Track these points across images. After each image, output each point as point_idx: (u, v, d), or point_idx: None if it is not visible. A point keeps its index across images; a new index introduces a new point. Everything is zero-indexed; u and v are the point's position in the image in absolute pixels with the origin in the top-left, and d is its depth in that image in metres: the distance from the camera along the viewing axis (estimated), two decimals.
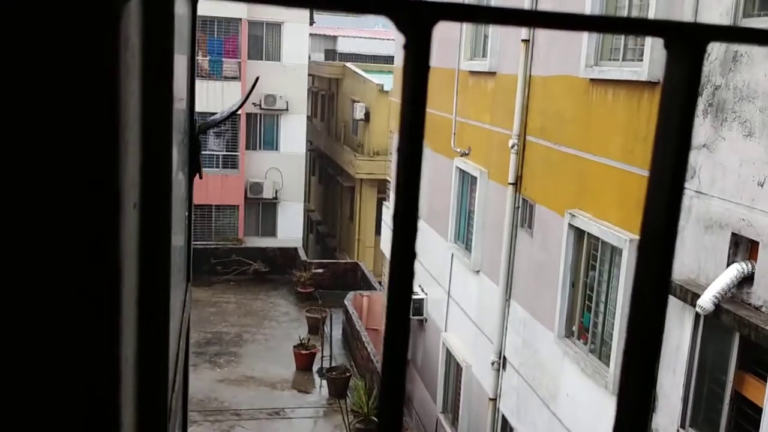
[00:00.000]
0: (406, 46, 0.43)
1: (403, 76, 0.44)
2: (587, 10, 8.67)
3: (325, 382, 17.17)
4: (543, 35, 10.03)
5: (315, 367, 18.10)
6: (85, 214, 0.45)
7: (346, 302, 19.72)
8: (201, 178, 1.80)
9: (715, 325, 6.38)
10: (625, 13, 8.21)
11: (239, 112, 25.68)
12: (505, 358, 11.02)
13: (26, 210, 0.44)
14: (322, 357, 17.95)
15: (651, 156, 0.47)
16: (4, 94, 0.41)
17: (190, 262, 1.77)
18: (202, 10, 24.57)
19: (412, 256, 0.44)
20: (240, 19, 25.71)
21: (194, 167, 1.69)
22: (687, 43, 0.46)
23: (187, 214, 1.72)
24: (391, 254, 0.45)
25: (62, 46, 0.42)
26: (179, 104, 1.39)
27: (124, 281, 0.53)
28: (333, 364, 17.65)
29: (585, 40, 8.67)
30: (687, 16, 6.84)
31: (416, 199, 0.44)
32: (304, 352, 18.02)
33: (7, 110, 0.41)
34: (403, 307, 0.44)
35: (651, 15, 7.42)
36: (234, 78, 25.77)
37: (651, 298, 0.48)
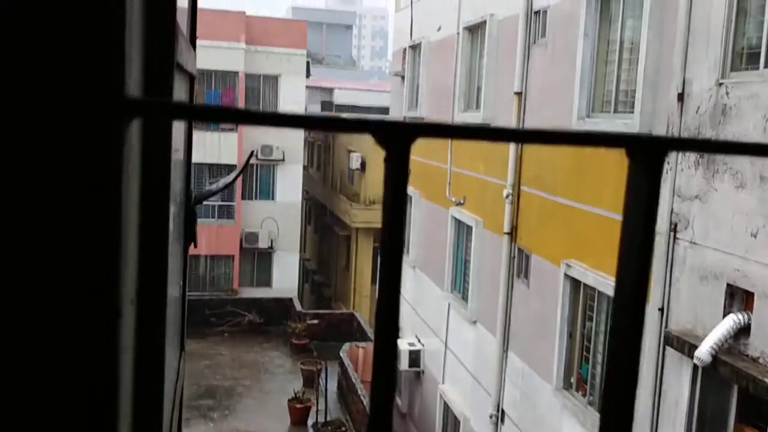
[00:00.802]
0: (386, 160, 0.46)
1: (384, 185, 0.47)
2: (577, 72, 8.83)
3: None
4: (536, 88, 10.20)
5: (310, 422, 17.81)
6: (86, 315, 0.47)
7: (341, 354, 19.52)
8: (196, 246, 1.83)
9: (713, 377, 6.34)
10: (614, 71, 8.37)
11: (236, 163, 25.84)
12: (503, 411, 10.89)
13: (26, 313, 0.46)
14: (317, 411, 17.68)
15: (617, 258, 0.50)
16: (13, 209, 0.44)
17: (184, 331, 1.79)
18: (200, 62, 24.88)
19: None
20: (237, 72, 26.08)
21: (189, 238, 1.72)
22: (647, 153, 0.49)
23: (182, 284, 1.74)
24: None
25: (66, 164, 0.45)
26: (177, 178, 1.42)
27: (121, 374, 0.55)
28: (328, 418, 17.38)
29: (577, 92, 8.82)
30: (676, 71, 6.98)
31: (397, 313, 0.46)
32: (298, 405, 17.76)
33: (18, 222, 0.44)
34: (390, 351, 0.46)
35: (641, 71, 7.57)
36: (231, 130, 26.01)
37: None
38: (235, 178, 2.78)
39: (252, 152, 5.57)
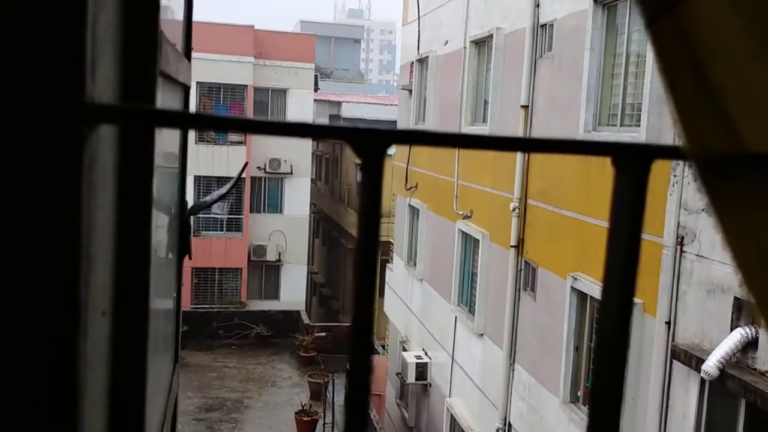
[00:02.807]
0: (361, 167, 0.46)
1: (360, 191, 0.47)
2: (583, 85, 8.83)
3: None
4: (542, 101, 10.21)
5: None
6: (44, 321, 0.47)
7: (348, 368, 19.43)
8: (191, 259, 1.82)
9: (720, 392, 6.28)
10: (621, 84, 8.37)
11: (243, 175, 25.92)
12: (510, 424, 10.82)
13: None
14: (324, 424, 17.61)
15: (603, 276, 0.49)
16: None
17: (178, 343, 1.78)
18: (209, 76, 25.10)
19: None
20: (246, 86, 26.22)
21: (184, 249, 1.71)
22: (634, 161, 0.48)
23: (176, 295, 1.73)
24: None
25: (19, 161, 0.44)
26: (169, 187, 1.42)
27: (86, 396, 0.54)
28: (335, 431, 17.32)
29: (583, 105, 8.82)
30: None
31: (371, 311, 0.45)
32: (306, 418, 17.71)
33: None
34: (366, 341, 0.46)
35: (647, 84, 7.56)
36: (239, 143, 26.12)
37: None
38: (230, 190, 2.79)
39: (246, 163, 5.61)
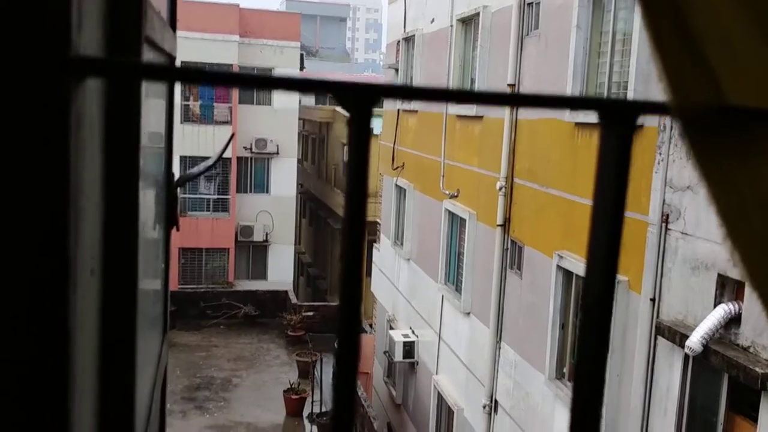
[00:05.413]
0: (349, 122, 0.46)
1: (348, 146, 0.47)
2: (570, 64, 8.83)
3: (315, 428, 16.92)
4: (529, 79, 10.20)
5: (305, 412, 17.86)
6: (33, 281, 0.47)
7: (336, 345, 19.54)
8: (178, 230, 1.82)
9: (704, 367, 6.37)
10: (607, 62, 8.37)
11: (230, 156, 25.81)
12: (496, 401, 10.93)
13: None
14: (312, 402, 17.72)
15: (589, 231, 0.49)
16: None
17: (167, 312, 1.78)
18: (194, 56, 24.86)
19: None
20: (231, 65, 26.00)
21: (171, 221, 1.71)
22: (619, 117, 0.49)
23: (164, 267, 1.73)
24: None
25: (6, 117, 0.44)
26: (156, 159, 1.41)
27: (75, 351, 0.54)
28: (324, 409, 17.43)
29: (570, 83, 8.82)
30: None
31: (360, 251, 0.46)
32: (294, 396, 17.80)
33: None
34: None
35: (633, 63, 7.57)
36: (225, 122, 25.96)
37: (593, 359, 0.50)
38: (216, 161, 2.77)
39: (232, 134, 5.62)
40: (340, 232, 0.45)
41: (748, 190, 0.48)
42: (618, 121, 0.48)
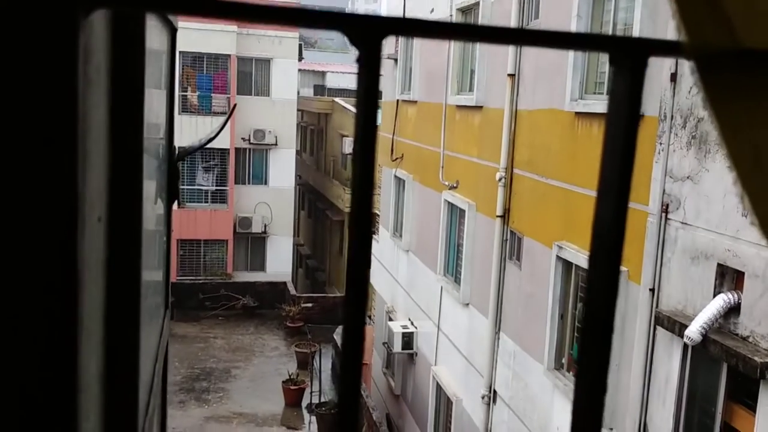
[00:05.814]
0: (358, 59, 0.45)
1: (357, 84, 0.46)
2: (570, 54, 8.80)
3: (314, 418, 16.96)
4: (529, 69, 10.17)
5: (304, 403, 17.90)
6: (41, 224, 0.46)
7: (335, 336, 19.59)
8: (180, 206, 1.82)
9: (703, 356, 6.38)
10: (607, 62, 8.34)
11: (229, 147, 25.76)
12: (495, 391, 10.95)
13: None
14: (311, 392, 17.76)
15: (599, 168, 0.49)
16: None
17: (168, 290, 1.77)
18: (192, 46, 24.80)
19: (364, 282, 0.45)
20: (229, 55, 25.93)
21: (173, 194, 1.70)
22: (630, 56, 0.48)
23: (165, 239, 1.72)
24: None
25: (14, 52, 0.43)
26: (157, 131, 1.40)
27: (84, 295, 0.54)
28: (322, 400, 17.46)
29: (570, 74, 8.80)
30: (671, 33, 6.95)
31: (370, 197, 0.45)
32: (293, 387, 17.84)
33: None
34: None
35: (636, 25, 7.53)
36: (223, 113, 25.89)
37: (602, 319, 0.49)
38: (218, 133, 2.76)
39: (234, 105, 5.64)
40: (352, 160, 0.44)
41: (762, 133, 0.47)
42: (629, 59, 0.48)
